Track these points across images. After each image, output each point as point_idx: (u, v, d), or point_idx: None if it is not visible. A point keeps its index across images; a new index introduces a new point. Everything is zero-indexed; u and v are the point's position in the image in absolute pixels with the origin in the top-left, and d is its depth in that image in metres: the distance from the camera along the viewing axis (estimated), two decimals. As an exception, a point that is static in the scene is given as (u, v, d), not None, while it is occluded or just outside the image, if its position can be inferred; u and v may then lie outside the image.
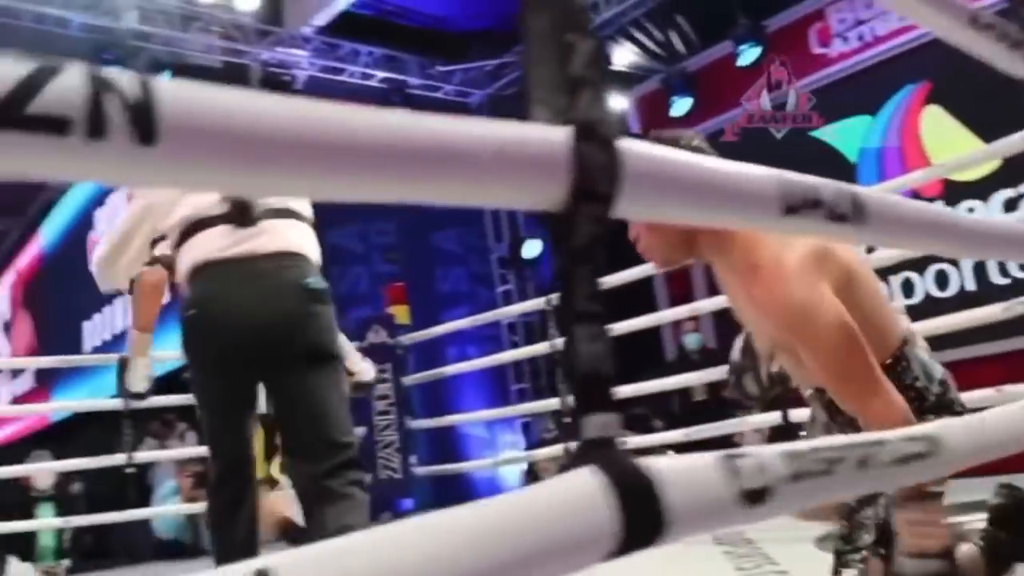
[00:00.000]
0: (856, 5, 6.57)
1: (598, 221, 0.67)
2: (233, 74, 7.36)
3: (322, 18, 7.60)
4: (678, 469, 0.66)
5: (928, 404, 1.79)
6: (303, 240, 2.42)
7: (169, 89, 0.51)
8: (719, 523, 0.70)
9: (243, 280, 2.31)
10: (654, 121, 7.56)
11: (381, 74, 8.17)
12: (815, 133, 6.78)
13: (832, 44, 6.73)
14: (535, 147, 0.66)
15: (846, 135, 6.73)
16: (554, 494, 0.60)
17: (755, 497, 0.71)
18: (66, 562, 6.42)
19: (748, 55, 6.90)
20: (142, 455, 5.27)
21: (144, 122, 0.49)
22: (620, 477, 0.61)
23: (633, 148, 0.72)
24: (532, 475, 6.87)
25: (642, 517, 0.62)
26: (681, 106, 7.52)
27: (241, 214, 2.34)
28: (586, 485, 0.60)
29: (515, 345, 8.14)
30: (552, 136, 0.67)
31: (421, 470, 5.79)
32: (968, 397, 3.31)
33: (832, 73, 6.75)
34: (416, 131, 0.60)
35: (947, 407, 1.81)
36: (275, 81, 7.56)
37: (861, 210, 0.97)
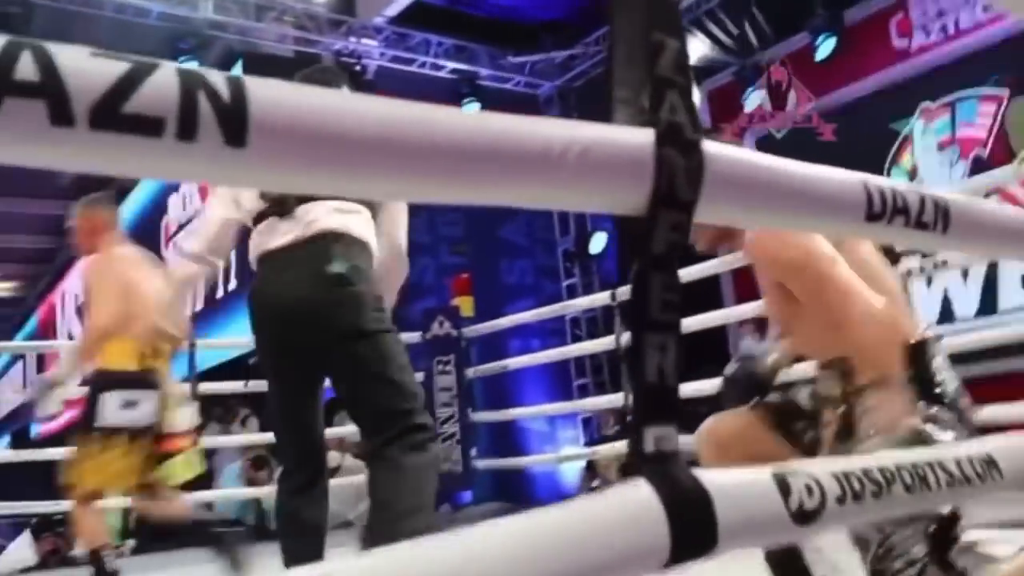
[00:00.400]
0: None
1: (677, 228, 0.65)
2: (305, 64, 7.45)
3: (394, 8, 7.65)
4: (733, 485, 0.66)
5: (944, 402, 1.82)
6: (344, 221, 2.43)
7: (260, 90, 0.51)
8: (769, 540, 0.70)
9: (275, 272, 2.41)
10: (726, 114, 7.44)
11: (451, 64, 8.19)
12: (893, 126, 6.62)
13: (913, 36, 6.55)
14: (618, 150, 0.65)
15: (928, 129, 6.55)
16: (607, 507, 0.60)
17: (806, 517, 0.71)
18: (131, 542, 6.57)
19: (825, 47, 6.75)
20: (205, 440, 5.37)
21: (235, 124, 0.50)
22: (674, 492, 0.61)
23: (718, 152, 0.70)
24: (592, 471, 6.85)
25: (693, 532, 0.63)
26: (754, 100, 7.39)
27: (280, 206, 2.40)
28: (639, 499, 0.60)
29: (578, 339, 8.11)
30: (636, 139, 0.66)
31: (481, 463, 5.81)
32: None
33: (913, 66, 6.57)
34: (501, 132, 0.60)
35: (958, 413, 1.83)
36: (346, 71, 7.63)
37: (946, 217, 0.94)
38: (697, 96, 8.03)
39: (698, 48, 7.77)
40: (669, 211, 0.66)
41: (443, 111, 0.57)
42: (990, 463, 0.92)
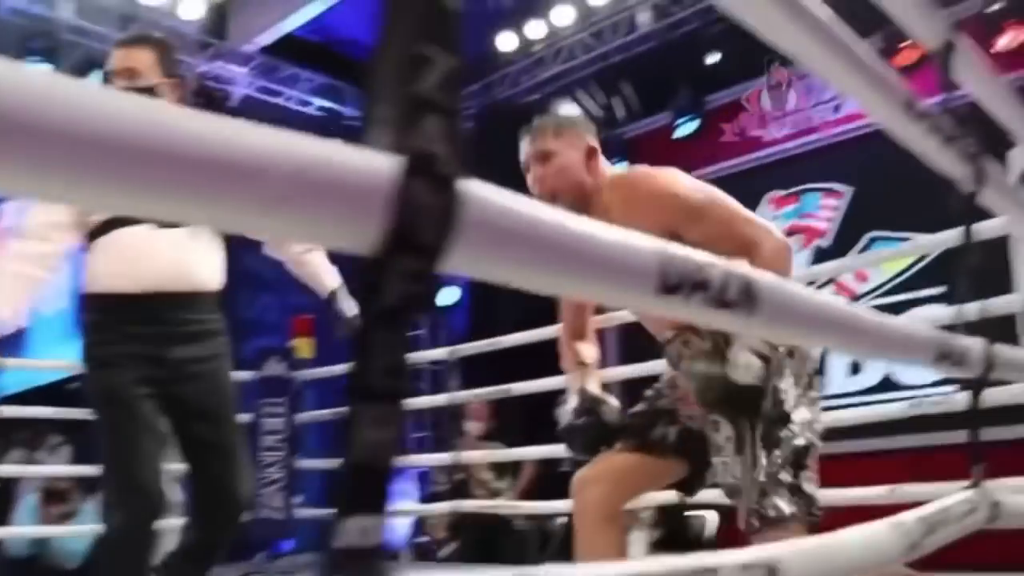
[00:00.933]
0: (796, 91, 6.65)
1: (416, 278, 0.54)
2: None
3: (267, 37, 7.43)
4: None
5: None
6: None
7: None
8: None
9: None
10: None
11: (319, 102, 8.03)
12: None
13: (768, 127, 6.80)
14: (351, 174, 0.53)
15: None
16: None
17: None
18: None
19: (685, 128, 6.94)
20: (4, 468, 4.92)
21: None
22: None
23: (480, 194, 0.59)
24: (421, 529, 6.65)
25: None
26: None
27: None
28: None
29: (420, 392, 7.94)
30: (375, 164, 0.54)
31: (305, 512, 5.54)
32: (864, 493, 3.30)
33: (765, 156, 6.81)
34: (194, 132, 0.46)
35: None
36: (209, 94, 7.34)
37: (752, 297, 0.86)
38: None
39: (569, 114, 7.86)
40: (407, 256, 0.54)
41: (111, 93, 0.44)
42: (772, 570, 0.83)
